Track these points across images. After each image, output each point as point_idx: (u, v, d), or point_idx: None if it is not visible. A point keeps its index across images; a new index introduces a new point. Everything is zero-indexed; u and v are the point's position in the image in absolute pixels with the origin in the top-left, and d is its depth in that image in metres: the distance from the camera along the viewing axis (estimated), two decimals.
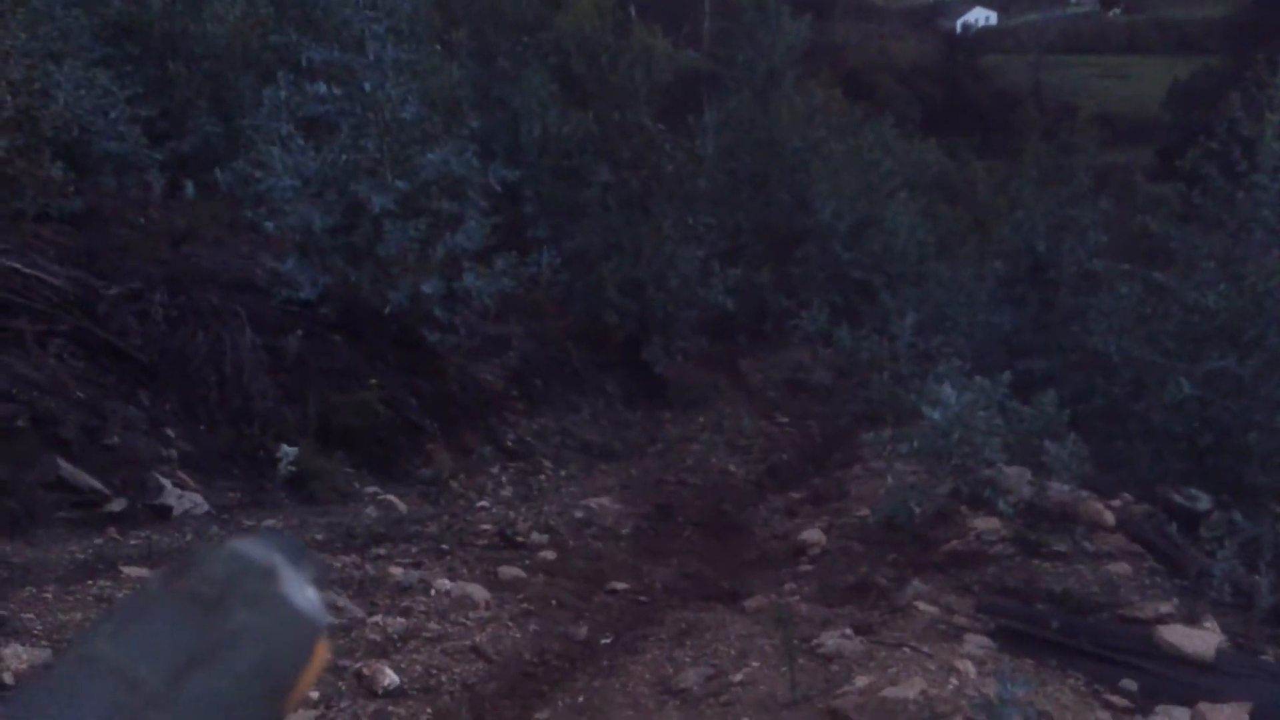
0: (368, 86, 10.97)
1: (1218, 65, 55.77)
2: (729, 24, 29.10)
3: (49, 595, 5.52)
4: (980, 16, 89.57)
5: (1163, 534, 8.58)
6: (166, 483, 7.51)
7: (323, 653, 0.77)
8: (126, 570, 6.08)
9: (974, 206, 35.02)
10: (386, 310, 11.14)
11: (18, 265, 8.16)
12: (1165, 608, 6.77)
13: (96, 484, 6.94)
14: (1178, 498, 9.96)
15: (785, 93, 24.16)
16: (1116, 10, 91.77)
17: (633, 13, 22.14)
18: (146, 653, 0.70)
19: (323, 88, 10.98)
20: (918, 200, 25.95)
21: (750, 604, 7.35)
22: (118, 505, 6.95)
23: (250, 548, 0.77)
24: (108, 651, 0.70)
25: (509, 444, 12.11)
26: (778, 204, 22.65)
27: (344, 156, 11.19)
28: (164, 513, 7.22)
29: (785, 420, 16.05)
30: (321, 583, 0.80)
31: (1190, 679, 5.82)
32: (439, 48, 15.58)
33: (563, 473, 11.80)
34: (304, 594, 0.77)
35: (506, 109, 18.83)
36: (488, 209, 12.23)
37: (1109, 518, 8.71)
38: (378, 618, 6.29)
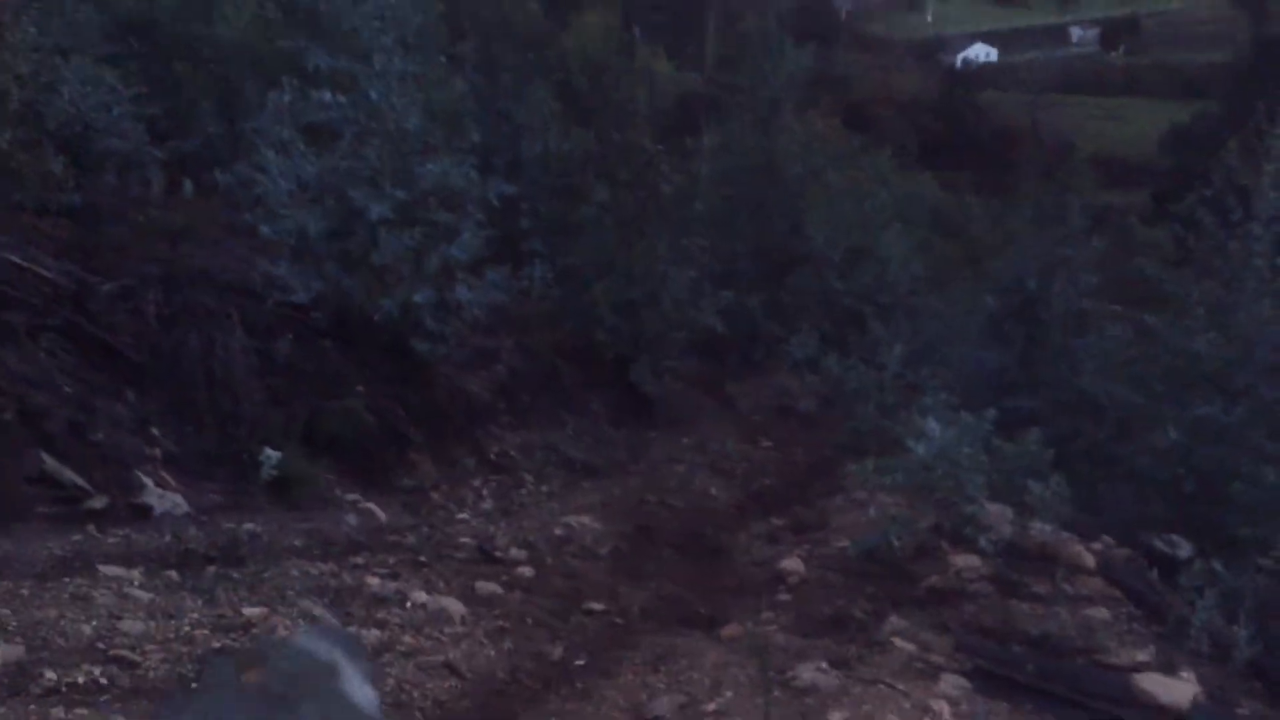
0: (374, 96, 10.99)
1: (1216, 110, 56.10)
2: (732, 49, 29.21)
3: (25, 591, 5.50)
4: (981, 52, 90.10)
5: (1143, 580, 8.61)
6: (148, 481, 7.50)
7: None
8: (104, 569, 6.07)
9: (968, 241, 35.14)
10: (377, 318, 11.15)
11: (15, 258, 8.16)
12: (1142, 655, 6.79)
13: (79, 480, 6.92)
14: (1158, 544, 10.00)
15: (785, 120, 24.24)
16: (1118, 52, 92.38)
17: (637, 34, 22.21)
18: None
19: (327, 95, 11.00)
20: (912, 233, 26.01)
21: (726, 632, 7.34)
22: (99, 502, 6.94)
23: (315, 644, 0.79)
24: None
25: (492, 457, 12.09)
26: (772, 230, 22.68)
27: (344, 163, 11.21)
28: (144, 512, 7.21)
29: (770, 445, 16.04)
30: (377, 678, 0.82)
31: None
32: (444, 60, 15.61)
33: (544, 488, 11.78)
34: (363, 691, 0.79)
35: (508, 123, 18.87)
36: (483, 221, 12.24)
37: (1089, 560, 8.74)
38: (352, 628, 6.27)
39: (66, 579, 5.80)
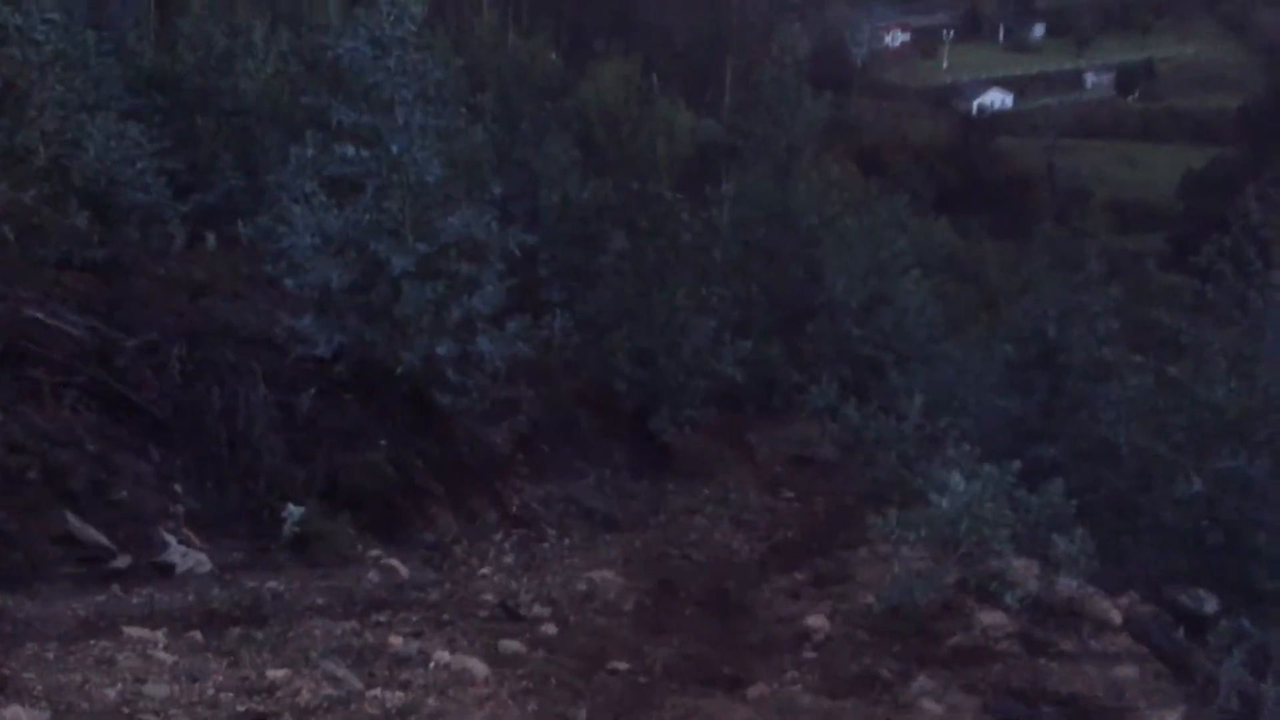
0: (395, 150, 11.07)
1: (1231, 155, 56.22)
2: (749, 97, 29.41)
3: (50, 655, 5.50)
4: (996, 98, 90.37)
5: (1170, 637, 8.52)
6: (171, 539, 7.51)
7: None
8: (128, 630, 6.06)
9: (984, 287, 35.12)
10: (399, 371, 11.16)
11: (40, 315, 8.22)
12: (1171, 715, 6.72)
13: (102, 539, 6.94)
14: (1184, 598, 9.90)
15: (802, 168, 24.34)
16: (1132, 97, 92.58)
17: (655, 83, 22.42)
18: None
19: (350, 150, 11.08)
20: (929, 279, 26.00)
21: (752, 692, 7.26)
22: (122, 562, 6.95)
23: None
24: None
25: (514, 509, 12.07)
26: (790, 278, 22.72)
27: (366, 216, 11.27)
28: (167, 570, 7.22)
29: (790, 495, 15.97)
30: None
31: None
32: (464, 111, 15.77)
33: (566, 541, 11.74)
34: None
35: (527, 173, 19.00)
36: (504, 272, 12.29)
37: (1116, 616, 8.64)
38: (376, 690, 6.22)
39: (91, 641, 5.79)
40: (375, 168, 11.29)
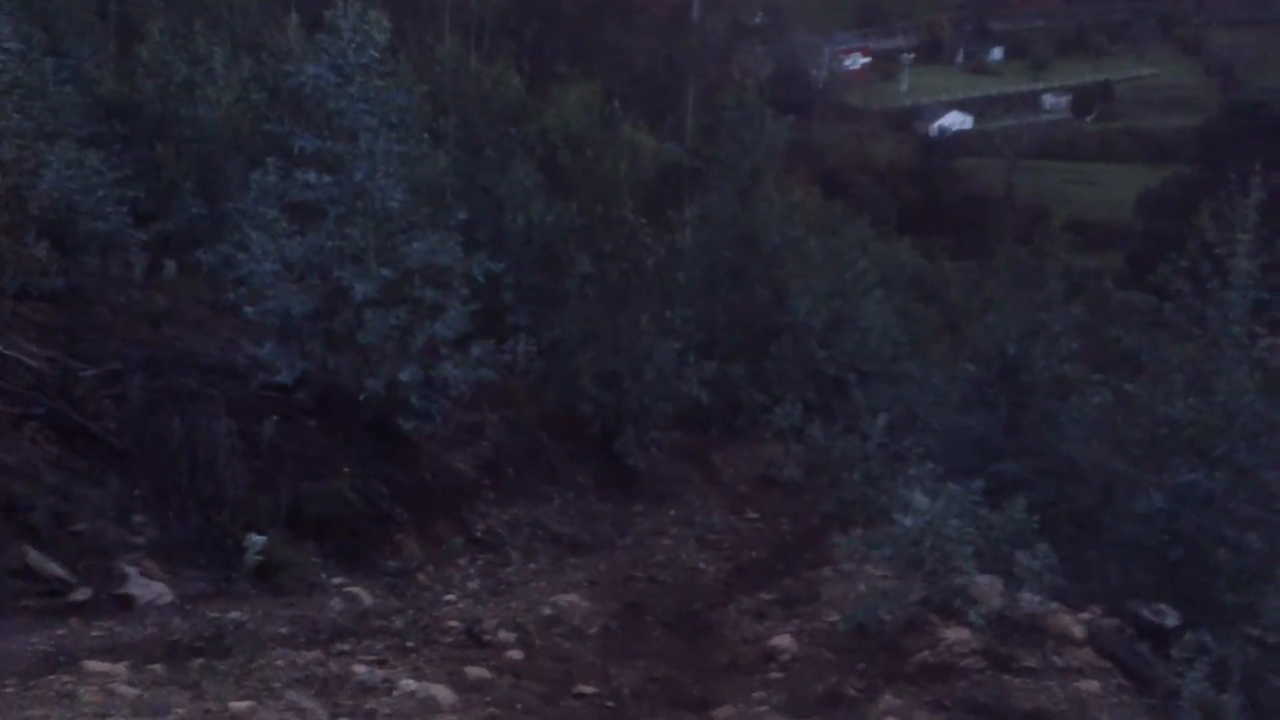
0: (359, 176, 11.06)
1: (1188, 174, 57.00)
2: (712, 119, 29.57)
3: (10, 690, 5.44)
4: (956, 120, 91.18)
5: (1132, 651, 8.60)
6: (132, 571, 7.45)
7: None
8: (89, 664, 6.00)
9: (947, 306, 35.36)
10: (363, 397, 11.12)
11: None
12: None
13: (62, 572, 6.88)
14: (1146, 612, 9.99)
15: (765, 190, 24.43)
16: (1089, 118, 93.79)
17: (617, 106, 22.49)
18: None
19: (312, 175, 11.05)
20: (892, 299, 26.16)
21: (720, 714, 7.28)
22: (82, 594, 6.89)
23: None
24: None
25: (479, 534, 12.04)
26: (754, 299, 22.77)
27: (329, 243, 11.24)
28: (128, 602, 7.16)
29: (756, 516, 15.98)
30: None
31: None
32: (427, 136, 15.76)
33: (531, 565, 11.72)
34: None
35: (491, 197, 19.00)
36: (467, 296, 12.28)
37: (1078, 631, 8.72)
38: None
39: (52, 676, 5.73)
40: (338, 194, 11.28)
